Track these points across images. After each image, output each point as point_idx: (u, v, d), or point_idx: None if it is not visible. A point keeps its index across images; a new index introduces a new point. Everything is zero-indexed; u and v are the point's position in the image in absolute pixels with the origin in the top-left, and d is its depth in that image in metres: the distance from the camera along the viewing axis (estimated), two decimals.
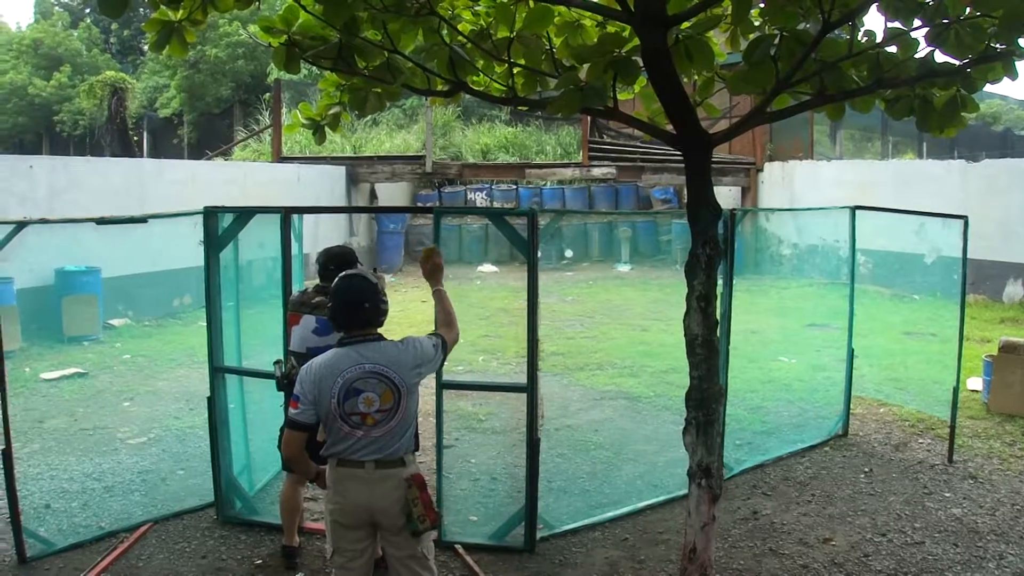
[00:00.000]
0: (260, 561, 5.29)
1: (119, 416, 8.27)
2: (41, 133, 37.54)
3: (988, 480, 6.71)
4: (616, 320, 13.76)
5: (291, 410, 3.79)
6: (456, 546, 5.45)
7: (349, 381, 3.71)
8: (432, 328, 4.41)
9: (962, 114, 4.25)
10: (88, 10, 40.50)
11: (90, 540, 5.49)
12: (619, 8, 3.94)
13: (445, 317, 4.24)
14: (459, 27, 4.37)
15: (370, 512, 3.76)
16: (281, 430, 4.62)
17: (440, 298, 4.30)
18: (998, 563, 5.32)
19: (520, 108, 5.49)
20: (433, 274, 4.40)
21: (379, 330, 3.91)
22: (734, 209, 6.29)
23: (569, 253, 21.04)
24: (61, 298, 11.67)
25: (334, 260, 5.04)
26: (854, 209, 7.86)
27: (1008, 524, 5.89)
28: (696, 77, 4.62)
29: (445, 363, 4.23)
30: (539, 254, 5.33)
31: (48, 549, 5.30)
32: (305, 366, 3.86)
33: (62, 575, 5.05)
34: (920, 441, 7.67)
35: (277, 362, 4.99)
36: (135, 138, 32.18)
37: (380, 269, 4.98)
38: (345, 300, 3.84)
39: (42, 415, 8.26)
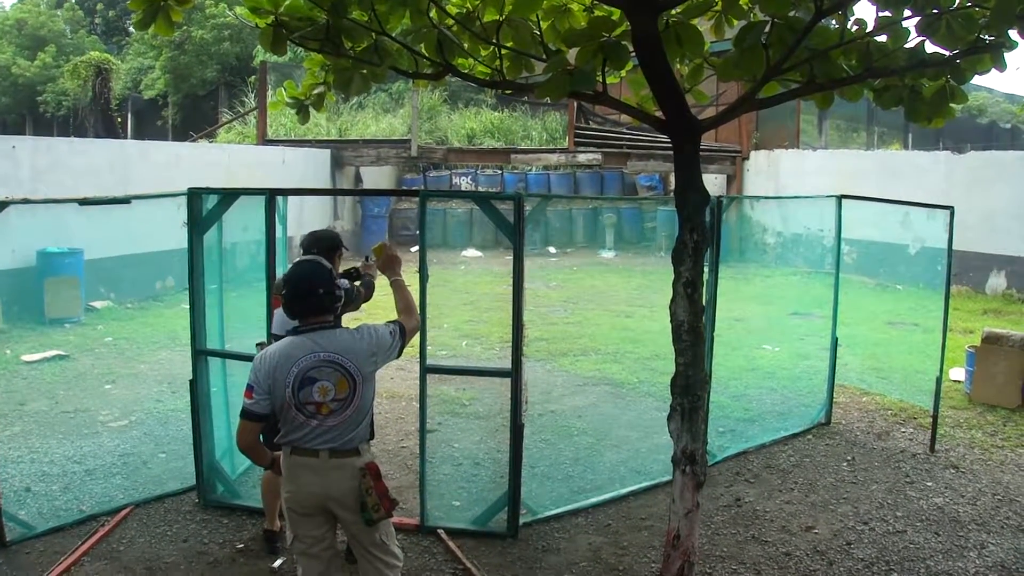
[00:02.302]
0: (242, 545, 5.26)
1: (100, 399, 8.22)
2: (24, 114, 37.15)
3: (970, 470, 6.75)
4: (600, 306, 13.77)
5: (245, 400, 3.72)
6: (439, 531, 5.44)
7: (304, 370, 3.66)
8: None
9: (950, 105, 4.26)
10: None
11: (71, 523, 5.44)
12: None
13: (404, 305, 4.19)
14: (446, 9, 4.33)
15: (324, 501, 3.74)
16: None
17: (398, 288, 4.26)
18: (979, 552, 5.36)
19: (507, 92, 5.46)
20: (389, 266, 4.37)
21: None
22: (720, 196, 6.28)
23: (552, 250, 20.92)
24: (43, 279, 11.53)
25: (319, 243, 4.97)
26: (840, 198, 7.86)
27: (989, 513, 5.94)
28: (680, 67, 4.60)
29: (429, 348, 4.20)
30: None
31: (28, 533, 5.26)
32: (259, 355, 3.81)
33: (43, 559, 5.01)
34: (902, 430, 7.71)
35: (260, 344, 4.96)
36: (119, 119, 31.95)
37: (370, 256, 4.95)
38: (299, 287, 3.76)
39: (23, 398, 8.19)
